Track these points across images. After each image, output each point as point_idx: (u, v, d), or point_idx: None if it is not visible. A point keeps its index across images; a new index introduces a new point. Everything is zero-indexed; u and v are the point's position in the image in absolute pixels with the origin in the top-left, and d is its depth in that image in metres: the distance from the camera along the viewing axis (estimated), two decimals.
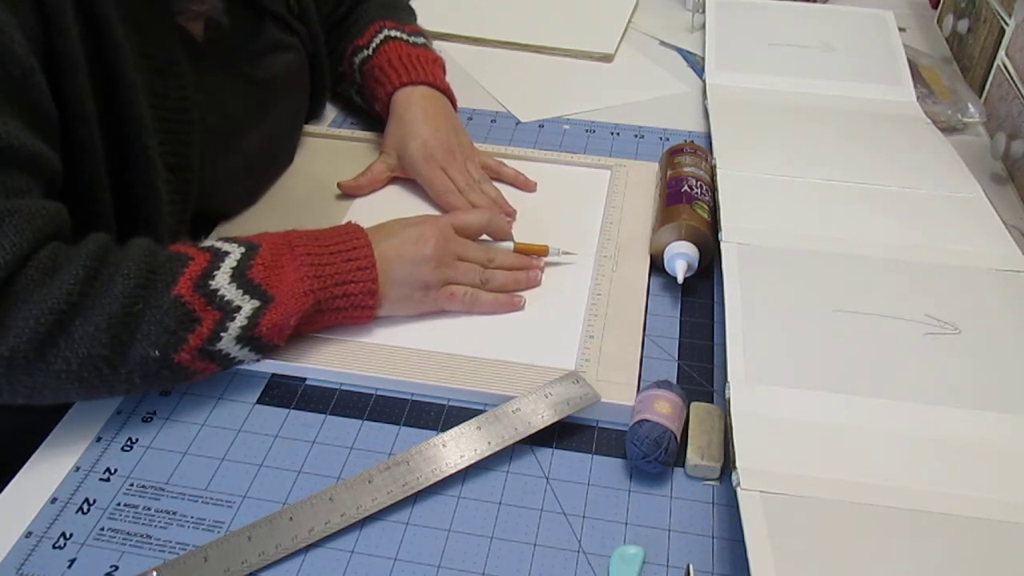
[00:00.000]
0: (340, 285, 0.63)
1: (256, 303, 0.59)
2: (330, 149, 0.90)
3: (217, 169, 0.73)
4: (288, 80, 0.83)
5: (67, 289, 0.53)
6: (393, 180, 0.85)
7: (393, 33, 0.89)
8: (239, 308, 0.59)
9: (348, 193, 0.83)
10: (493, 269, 0.71)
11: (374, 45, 0.89)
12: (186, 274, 0.58)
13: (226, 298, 0.58)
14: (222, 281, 0.59)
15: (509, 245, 0.74)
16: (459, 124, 0.87)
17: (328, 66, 0.91)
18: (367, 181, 0.83)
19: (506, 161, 0.87)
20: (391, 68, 0.86)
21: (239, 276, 0.59)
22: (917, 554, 0.50)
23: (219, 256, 0.60)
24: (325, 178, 0.84)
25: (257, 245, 0.62)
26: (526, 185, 0.85)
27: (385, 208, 0.78)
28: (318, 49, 0.88)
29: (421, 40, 0.91)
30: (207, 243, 0.62)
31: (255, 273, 0.60)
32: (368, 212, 0.81)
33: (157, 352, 0.56)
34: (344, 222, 0.78)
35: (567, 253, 0.75)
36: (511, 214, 0.80)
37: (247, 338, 0.60)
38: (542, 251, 0.74)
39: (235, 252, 0.61)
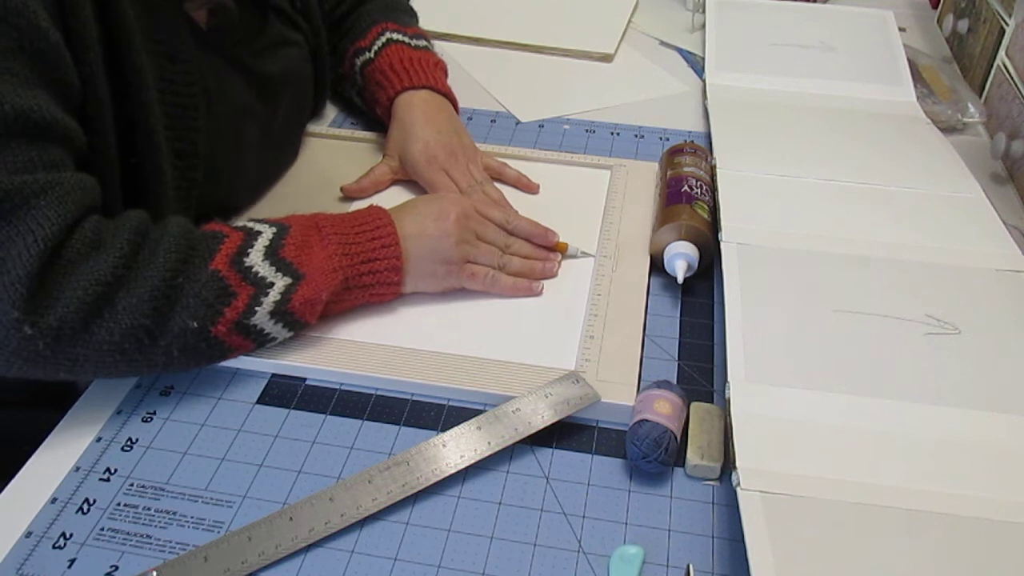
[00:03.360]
0: (366, 263, 0.65)
1: (288, 280, 0.62)
2: (330, 149, 0.90)
3: (223, 158, 0.74)
4: (292, 75, 0.83)
5: (113, 262, 0.55)
6: (396, 182, 0.85)
7: (395, 36, 0.89)
8: (272, 284, 0.61)
9: (349, 196, 0.82)
10: (510, 255, 0.72)
11: (376, 48, 0.89)
12: (222, 251, 0.61)
13: (260, 274, 0.61)
14: (256, 259, 0.61)
15: (553, 239, 0.75)
16: (461, 126, 0.87)
17: (329, 63, 0.91)
18: (369, 183, 0.83)
19: (506, 161, 0.87)
20: (392, 72, 0.86)
21: (272, 255, 0.62)
22: (916, 554, 0.50)
23: (252, 235, 0.63)
24: (325, 178, 0.84)
25: (287, 226, 0.64)
26: (528, 187, 0.85)
27: None
28: (320, 45, 0.88)
29: (423, 43, 0.91)
30: (239, 223, 0.64)
31: (287, 252, 0.62)
32: None
33: (195, 323, 0.58)
34: None
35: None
36: None
37: (280, 313, 0.61)
38: (562, 248, 0.75)
39: (267, 232, 0.63)
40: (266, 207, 0.81)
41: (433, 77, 0.87)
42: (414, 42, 0.90)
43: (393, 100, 0.85)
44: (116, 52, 0.62)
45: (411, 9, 0.99)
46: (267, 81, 0.78)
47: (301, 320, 0.63)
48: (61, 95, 0.57)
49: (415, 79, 0.85)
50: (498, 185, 0.83)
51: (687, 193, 0.76)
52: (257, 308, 0.60)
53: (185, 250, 0.59)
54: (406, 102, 0.85)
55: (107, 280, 0.55)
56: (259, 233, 0.63)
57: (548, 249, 0.75)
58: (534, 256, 0.74)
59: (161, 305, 0.57)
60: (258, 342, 0.63)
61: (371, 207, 0.69)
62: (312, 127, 0.93)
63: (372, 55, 0.89)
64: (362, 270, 0.65)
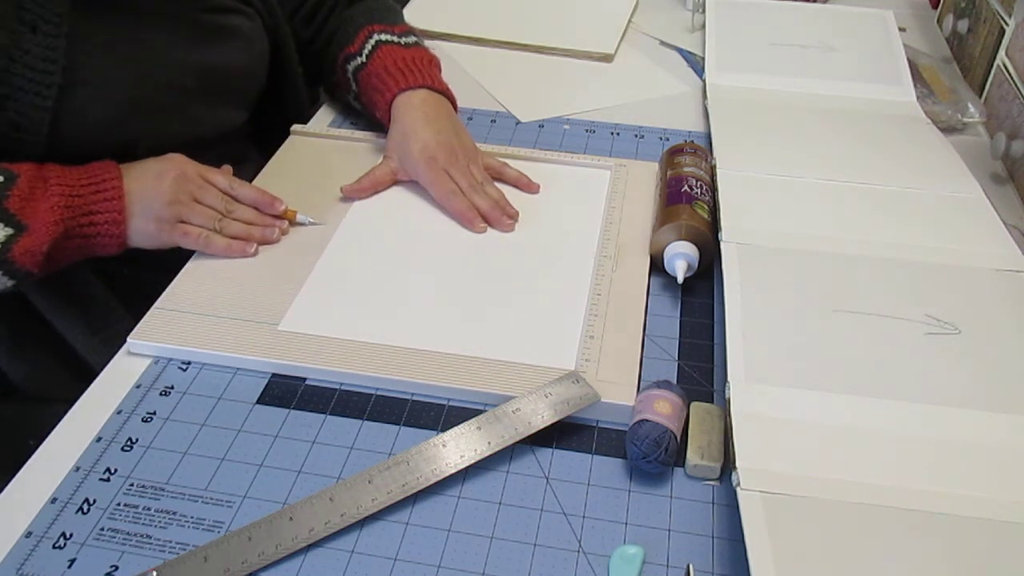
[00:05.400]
0: (87, 215, 0.68)
1: (10, 231, 0.64)
2: (330, 149, 0.90)
3: (92, 135, 0.72)
4: (237, 31, 0.83)
5: None
6: (396, 183, 0.85)
7: (384, 37, 0.89)
8: None
9: (349, 196, 0.82)
10: (231, 220, 0.75)
11: (366, 52, 0.88)
12: None
13: None
14: None
15: (280, 207, 0.78)
16: (461, 126, 0.86)
17: (289, 32, 0.92)
18: (369, 184, 0.82)
19: (507, 161, 0.86)
20: (388, 75, 0.86)
21: None
22: (917, 554, 0.50)
23: None
24: (324, 178, 0.84)
25: (16, 176, 0.66)
26: (529, 187, 0.84)
27: (386, 210, 0.78)
28: (278, 25, 0.89)
29: (413, 39, 0.91)
30: None
31: (11, 204, 0.64)
32: (369, 213, 0.81)
33: None
34: (343, 223, 0.78)
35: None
36: (514, 216, 0.80)
37: (1, 262, 0.64)
38: (290, 216, 0.78)
39: None
40: None
41: (429, 76, 0.87)
42: (403, 40, 0.90)
43: (391, 103, 0.85)
44: None
45: (394, 6, 0.98)
46: (205, 32, 0.79)
47: (23, 269, 0.65)
48: None
49: (411, 80, 0.85)
50: (499, 185, 0.83)
51: (687, 193, 0.76)
52: None
53: None
54: (404, 103, 0.84)
55: None
56: None
57: (277, 217, 0.77)
58: (256, 222, 0.76)
59: None
60: None
61: (105, 161, 0.71)
62: (312, 127, 0.93)
63: (364, 59, 0.88)
64: (83, 222, 0.68)
